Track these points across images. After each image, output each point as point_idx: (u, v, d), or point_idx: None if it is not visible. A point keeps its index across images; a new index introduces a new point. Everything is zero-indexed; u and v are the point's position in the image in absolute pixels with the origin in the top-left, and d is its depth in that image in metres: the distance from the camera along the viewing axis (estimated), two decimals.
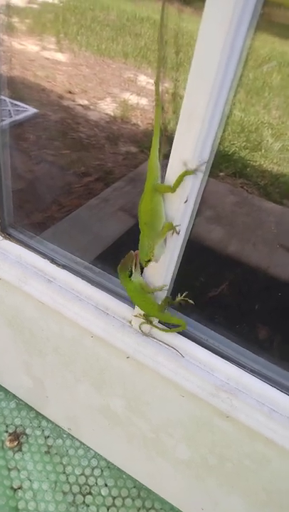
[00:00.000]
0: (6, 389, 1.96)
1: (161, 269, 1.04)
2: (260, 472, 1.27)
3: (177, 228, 0.92)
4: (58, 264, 1.31)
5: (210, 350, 1.18)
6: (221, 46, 0.68)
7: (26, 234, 1.41)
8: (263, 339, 1.50)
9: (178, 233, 0.93)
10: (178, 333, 1.20)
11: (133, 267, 1.02)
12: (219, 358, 1.17)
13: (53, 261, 1.31)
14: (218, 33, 0.67)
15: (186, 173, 0.83)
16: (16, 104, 2.87)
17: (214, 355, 1.17)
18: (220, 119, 0.78)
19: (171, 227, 0.91)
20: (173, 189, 0.86)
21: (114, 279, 1.32)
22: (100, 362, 1.37)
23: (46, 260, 1.32)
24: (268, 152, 3.77)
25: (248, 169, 3.59)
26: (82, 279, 1.29)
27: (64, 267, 1.31)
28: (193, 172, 0.83)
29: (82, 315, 1.24)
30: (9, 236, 1.36)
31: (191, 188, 0.88)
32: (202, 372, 1.15)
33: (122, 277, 1.06)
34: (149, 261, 0.93)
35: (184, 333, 1.20)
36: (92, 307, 1.25)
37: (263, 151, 3.74)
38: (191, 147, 0.80)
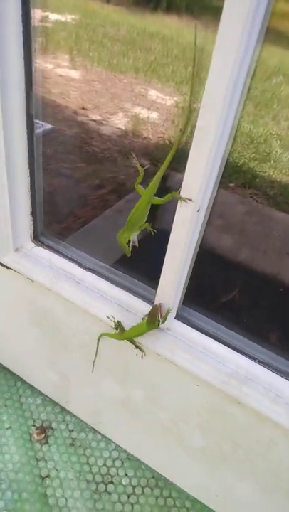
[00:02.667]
0: (33, 386, 2.11)
1: (175, 277, 1.21)
2: (268, 456, 1.39)
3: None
4: (85, 268, 1.47)
5: (222, 343, 1.33)
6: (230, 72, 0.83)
7: (54, 241, 1.58)
8: (271, 335, 1.63)
9: (153, 233, 1.22)
10: (193, 328, 1.35)
11: (159, 316, 1.24)
12: (231, 350, 1.31)
13: (80, 265, 1.47)
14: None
15: (174, 194, 1.05)
16: None
17: (226, 347, 1.32)
18: (227, 142, 0.93)
19: (149, 227, 1.21)
20: (163, 201, 1.10)
21: (134, 281, 1.48)
22: (122, 356, 1.51)
23: (74, 264, 1.48)
24: (277, 163, 3.88)
25: (257, 180, 3.71)
26: (107, 280, 1.44)
27: (90, 270, 1.47)
28: (179, 197, 1.03)
29: (107, 312, 1.39)
30: (41, 243, 1.52)
31: (203, 199, 1.03)
32: (215, 363, 1.29)
33: (150, 326, 1.27)
34: (129, 242, 1.21)
35: (199, 329, 1.35)
36: (116, 305, 1.41)
37: (272, 161, 3.86)
38: (202, 168, 0.95)
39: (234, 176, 3.85)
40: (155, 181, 1.09)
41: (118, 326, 1.35)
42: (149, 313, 1.26)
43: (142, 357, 1.41)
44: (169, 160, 1.04)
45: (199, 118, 0.90)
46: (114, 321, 1.36)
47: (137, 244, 1.24)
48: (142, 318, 1.35)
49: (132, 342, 1.37)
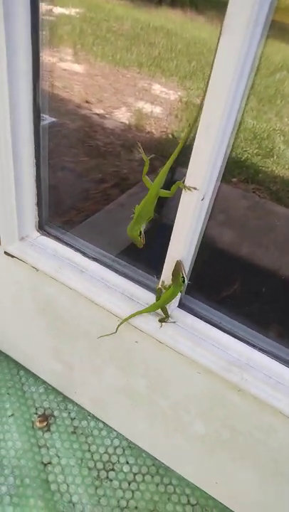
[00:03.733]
0: (36, 375, 2.14)
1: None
2: (268, 443, 1.42)
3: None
4: (89, 257, 1.49)
5: (224, 331, 1.35)
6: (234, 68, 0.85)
7: (59, 231, 1.60)
8: (272, 324, 1.66)
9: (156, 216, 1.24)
10: (195, 316, 1.38)
11: (183, 273, 1.22)
12: (232, 337, 1.34)
13: (84, 254, 1.50)
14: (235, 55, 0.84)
15: (179, 184, 1.07)
16: None
17: (228, 335, 1.34)
18: (232, 131, 0.95)
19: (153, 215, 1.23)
20: (171, 194, 1.11)
21: (138, 270, 1.51)
22: (125, 344, 1.53)
23: (78, 253, 1.50)
24: (280, 158, 3.90)
25: (260, 175, 3.74)
26: (110, 269, 1.47)
27: (94, 259, 1.49)
28: (183, 186, 1.05)
29: (110, 300, 1.42)
30: (46, 232, 1.55)
31: (207, 187, 1.05)
32: (217, 350, 1.32)
33: (176, 287, 1.26)
34: (140, 234, 1.22)
35: (201, 318, 1.38)
36: (119, 294, 1.43)
37: (274, 157, 3.88)
38: (207, 155, 0.97)
39: (237, 171, 3.88)
40: (162, 174, 1.11)
41: (158, 292, 1.36)
42: (172, 272, 1.25)
43: (163, 324, 1.40)
44: (176, 153, 1.06)
45: (205, 106, 0.91)
46: (157, 286, 1.36)
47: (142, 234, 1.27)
48: (158, 289, 1.35)
49: (165, 311, 1.37)
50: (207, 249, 1.30)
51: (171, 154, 1.07)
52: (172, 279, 1.26)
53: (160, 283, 1.35)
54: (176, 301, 1.37)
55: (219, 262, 2.34)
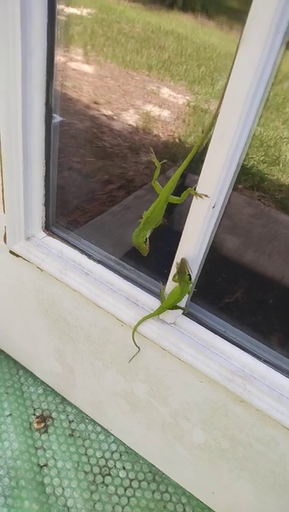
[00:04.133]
0: (35, 375, 2.13)
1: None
2: (268, 455, 1.40)
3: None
4: (94, 259, 1.48)
5: (228, 340, 1.34)
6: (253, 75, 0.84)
7: (65, 231, 1.59)
8: (276, 335, 1.65)
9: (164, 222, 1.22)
10: (199, 324, 1.36)
11: (189, 270, 1.20)
12: (236, 347, 1.32)
13: (90, 256, 1.48)
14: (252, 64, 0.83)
15: (190, 191, 1.05)
16: None
17: (232, 345, 1.33)
18: (246, 140, 0.94)
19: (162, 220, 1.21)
20: (181, 200, 1.09)
21: (142, 275, 1.49)
22: (128, 349, 1.52)
23: (84, 255, 1.49)
24: (286, 167, 3.89)
25: (265, 183, 3.73)
26: (115, 273, 1.46)
27: (99, 262, 1.48)
28: (195, 193, 1.04)
29: (114, 304, 1.41)
30: (52, 233, 1.53)
31: (219, 195, 1.04)
32: (220, 359, 1.31)
33: (184, 286, 1.23)
34: (146, 241, 1.20)
35: (205, 326, 1.36)
36: (124, 298, 1.42)
37: (280, 165, 3.88)
38: (220, 163, 0.96)
39: (242, 178, 3.87)
40: (173, 180, 1.09)
41: (161, 292, 1.34)
42: (178, 270, 1.22)
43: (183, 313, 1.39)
44: (189, 159, 1.04)
45: (220, 114, 0.90)
46: (161, 289, 1.35)
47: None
48: (161, 290, 1.34)
49: (176, 308, 1.34)
50: (211, 255, 1.28)
51: (182, 159, 1.05)
52: (179, 278, 1.23)
53: (166, 288, 1.33)
54: (183, 301, 1.35)
55: (224, 269, 2.32)
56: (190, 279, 1.21)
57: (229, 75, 0.85)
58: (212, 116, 0.93)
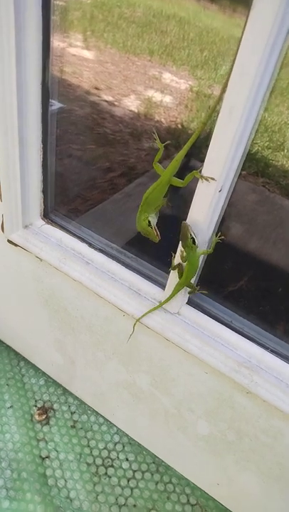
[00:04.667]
0: (36, 367, 2.10)
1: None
2: (275, 447, 1.37)
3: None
4: (95, 248, 1.43)
5: (234, 330, 1.29)
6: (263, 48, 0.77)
7: (65, 219, 1.54)
8: (284, 325, 1.60)
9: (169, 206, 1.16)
10: (204, 314, 1.32)
11: (192, 234, 1.09)
12: (242, 337, 1.28)
13: (90, 245, 1.43)
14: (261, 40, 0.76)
15: (195, 174, 0.99)
16: None
17: (238, 335, 1.28)
18: (256, 116, 0.88)
19: (164, 202, 1.14)
20: (184, 184, 1.03)
21: (145, 263, 1.44)
22: (130, 340, 1.48)
23: (84, 244, 1.44)
24: None
25: (270, 169, 3.65)
26: (117, 262, 1.41)
27: (100, 250, 1.43)
28: (200, 175, 0.98)
29: (116, 294, 1.36)
30: (51, 221, 1.48)
31: (225, 179, 0.98)
32: (226, 350, 1.26)
33: (187, 247, 1.11)
34: (149, 225, 1.13)
35: (210, 315, 1.32)
36: (126, 288, 1.37)
37: (285, 151, 3.80)
38: (228, 142, 0.90)
39: (247, 164, 3.76)
40: (177, 160, 1.02)
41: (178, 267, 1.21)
42: (180, 237, 1.11)
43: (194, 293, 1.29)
44: (194, 139, 0.97)
45: (229, 85, 0.84)
46: (173, 265, 1.23)
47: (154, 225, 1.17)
48: (174, 266, 1.23)
49: (192, 286, 1.25)
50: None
51: (186, 141, 0.99)
52: (182, 245, 1.13)
53: (175, 258, 1.22)
54: (184, 297, 1.31)
55: (228, 257, 2.27)
56: (194, 242, 1.10)
57: (240, 40, 0.78)
58: (224, 83, 0.86)
